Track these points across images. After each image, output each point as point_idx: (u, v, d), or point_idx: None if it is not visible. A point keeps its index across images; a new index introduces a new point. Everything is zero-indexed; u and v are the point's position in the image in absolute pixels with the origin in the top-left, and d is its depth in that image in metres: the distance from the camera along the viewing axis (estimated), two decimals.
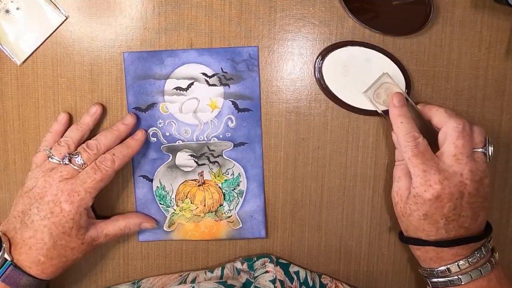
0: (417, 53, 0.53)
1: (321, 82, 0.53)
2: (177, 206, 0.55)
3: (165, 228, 0.55)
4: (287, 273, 0.53)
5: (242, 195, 0.55)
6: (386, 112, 0.51)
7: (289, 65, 0.54)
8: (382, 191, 0.56)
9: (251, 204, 0.55)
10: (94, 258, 0.56)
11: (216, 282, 0.50)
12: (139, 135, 0.52)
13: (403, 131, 0.48)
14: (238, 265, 0.54)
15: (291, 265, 0.55)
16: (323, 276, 0.55)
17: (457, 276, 0.47)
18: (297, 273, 0.54)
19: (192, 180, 0.55)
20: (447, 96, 0.54)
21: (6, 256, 0.47)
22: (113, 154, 0.49)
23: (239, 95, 0.53)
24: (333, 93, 0.53)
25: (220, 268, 0.54)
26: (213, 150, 0.54)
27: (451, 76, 0.54)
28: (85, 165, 0.49)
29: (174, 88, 0.53)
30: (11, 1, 0.52)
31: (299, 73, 0.54)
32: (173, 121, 0.54)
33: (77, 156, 0.49)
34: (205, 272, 0.54)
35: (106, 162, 0.49)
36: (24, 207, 0.49)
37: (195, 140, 0.54)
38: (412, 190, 0.47)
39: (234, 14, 0.53)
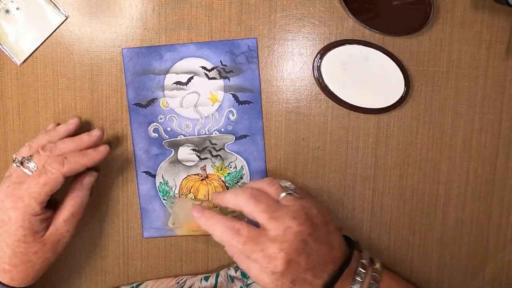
0: (417, 53, 0.53)
1: (320, 81, 0.53)
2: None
3: (169, 225, 0.55)
4: None
5: None
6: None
7: (289, 65, 0.54)
8: (382, 191, 0.56)
9: None
10: (94, 258, 0.56)
11: None
12: (102, 148, 0.48)
13: (218, 231, 0.45)
14: (231, 272, 0.54)
15: None
16: None
17: None
18: None
19: (194, 174, 0.55)
20: (447, 96, 0.54)
21: None
22: (65, 158, 0.46)
23: (239, 87, 0.54)
24: (332, 92, 0.53)
25: (215, 275, 0.54)
26: (215, 144, 0.54)
27: (451, 76, 0.54)
28: (36, 169, 0.46)
29: (174, 83, 0.53)
30: (11, 1, 0.52)
31: (299, 73, 0.54)
32: (174, 116, 0.54)
33: (29, 159, 0.46)
34: (201, 280, 0.54)
35: (54, 164, 0.45)
36: None
37: (196, 134, 0.54)
38: (266, 271, 0.44)
39: (234, 14, 0.53)
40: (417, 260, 0.57)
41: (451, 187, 0.56)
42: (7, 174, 0.48)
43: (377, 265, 0.48)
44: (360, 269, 0.46)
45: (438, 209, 0.56)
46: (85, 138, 0.49)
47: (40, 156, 0.46)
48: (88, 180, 0.50)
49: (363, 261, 0.47)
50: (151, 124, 0.54)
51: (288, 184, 0.48)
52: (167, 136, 0.54)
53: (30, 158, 0.46)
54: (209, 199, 0.52)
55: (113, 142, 0.54)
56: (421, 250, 0.57)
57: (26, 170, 0.46)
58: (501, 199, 0.56)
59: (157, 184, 0.55)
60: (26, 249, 0.45)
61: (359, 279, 0.46)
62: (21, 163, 0.46)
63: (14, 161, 0.47)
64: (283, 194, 0.46)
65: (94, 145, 0.49)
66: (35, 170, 0.46)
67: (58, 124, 0.52)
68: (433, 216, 0.56)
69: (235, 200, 0.46)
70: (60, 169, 0.45)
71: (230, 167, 0.55)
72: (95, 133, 0.49)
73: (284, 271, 0.43)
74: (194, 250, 0.56)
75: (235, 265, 0.54)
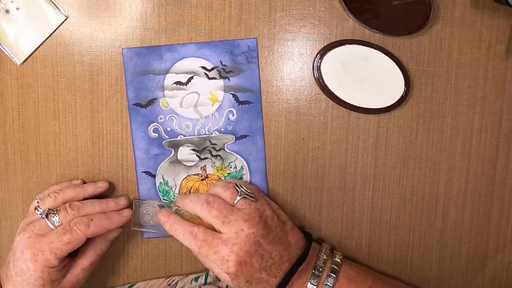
0: (417, 53, 0.53)
1: (320, 81, 0.53)
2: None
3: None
4: None
5: None
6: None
7: (289, 65, 0.54)
8: (382, 191, 0.56)
9: None
10: None
11: None
12: (126, 213, 0.51)
13: (180, 236, 0.48)
14: None
15: None
16: None
17: None
18: None
19: (194, 174, 0.55)
20: (447, 96, 0.54)
21: None
22: (91, 220, 0.47)
23: (239, 87, 0.54)
24: (332, 92, 0.53)
25: (204, 275, 0.54)
26: (215, 144, 0.54)
27: (451, 76, 0.54)
28: (60, 224, 0.47)
29: (174, 83, 0.53)
30: (11, 1, 0.52)
31: (299, 73, 0.54)
32: (174, 116, 0.54)
33: (54, 213, 0.47)
34: (191, 281, 0.54)
35: (80, 225, 0.47)
36: (9, 259, 0.47)
37: (196, 134, 0.54)
38: (222, 272, 0.46)
39: (234, 14, 0.53)
40: (417, 260, 0.57)
41: (451, 187, 0.56)
42: (28, 220, 0.48)
43: (337, 257, 0.49)
44: (318, 263, 0.48)
45: (438, 209, 0.56)
46: (111, 204, 0.51)
47: (67, 214, 0.47)
48: (113, 234, 0.52)
49: (321, 255, 0.49)
50: (151, 124, 0.54)
51: (244, 188, 0.49)
52: (167, 136, 0.54)
53: (56, 212, 0.47)
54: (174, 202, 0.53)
55: (113, 142, 0.54)
56: (421, 250, 0.57)
57: (49, 223, 0.47)
58: (501, 199, 0.56)
59: (157, 184, 0.55)
60: None
61: (316, 273, 0.47)
62: (47, 215, 0.47)
63: (36, 208, 0.48)
64: (238, 198, 0.48)
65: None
66: (58, 225, 0.47)
67: (84, 182, 0.54)
68: (433, 216, 0.56)
69: (191, 206, 0.49)
70: (85, 231, 0.47)
71: (230, 167, 0.55)
72: (121, 202, 0.52)
73: (236, 272, 0.46)
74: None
75: None
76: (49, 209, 0.48)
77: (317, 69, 0.53)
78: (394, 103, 0.53)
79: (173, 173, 0.55)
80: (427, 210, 0.56)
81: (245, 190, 0.49)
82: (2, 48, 0.53)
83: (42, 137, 0.54)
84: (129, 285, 0.56)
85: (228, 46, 0.53)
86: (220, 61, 0.53)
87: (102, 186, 0.52)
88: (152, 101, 0.54)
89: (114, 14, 0.53)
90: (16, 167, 0.55)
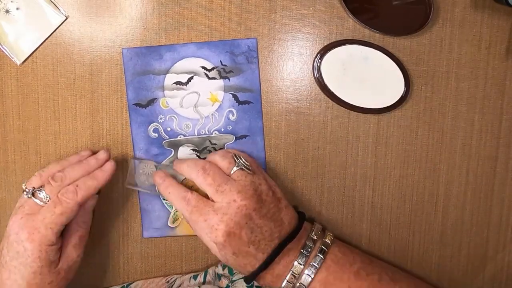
0: (417, 53, 0.53)
1: (320, 81, 0.53)
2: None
3: (169, 224, 0.55)
4: None
5: None
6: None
7: (289, 65, 0.54)
8: (382, 191, 0.56)
9: None
10: (94, 258, 0.56)
11: None
12: (108, 166, 0.49)
13: (173, 199, 0.48)
14: (219, 270, 0.54)
15: None
16: None
17: (299, 283, 0.46)
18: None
19: None
20: (447, 96, 0.54)
21: None
22: (76, 186, 0.46)
23: (239, 87, 0.54)
24: (332, 92, 0.53)
25: (203, 274, 0.54)
26: (215, 144, 0.54)
27: (451, 76, 0.54)
28: (48, 199, 0.46)
29: (174, 83, 0.53)
30: (11, 1, 0.52)
31: (299, 73, 0.54)
32: (174, 116, 0.54)
33: (41, 189, 0.46)
34: (190, 279, 0.54)
35: (68, 194, 0.46)
36: (2, 245, 0.47)
37: (196, 134, 0.54)
38: (210, 240, 0.46)
39: (234, 14, 0.53)
40: (417, 260, 0.57)
41: (451, 187, 0.56)
42: (18, 204, 0.48)
43: (327, 238, 0.49)
44: (308, 242, 0.48)
45: (438, 209, 0.56)
46: (92, 162, 0.49)
47: (52, 186, 0.47)
48: (90, 203, 0.50)
49: (312, 235, 0.48)
50: (151, 124, 0.54)
51: (242, 159, 0.49)
52: (167, 136, 0.54)
53: (41, 188, 0.47)
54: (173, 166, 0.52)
55: (113, 142, 0.54)
56: (421, 250, 0.57)
57: (37, 201, 0.46)
58: (501, 199, 0.56)
59: None
60: (42, 280, 0.46)
61: (305, 253, 0.47)
62: (33, 194, 0.47)
63: (24, 191, 0.47)
64: (234, 169, 0.48)
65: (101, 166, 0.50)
66: (47, 200, 0.46)
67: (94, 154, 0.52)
68: (433, 216, 0.56)
69: (187, 171, 0.49)
70: (74, 198, 0.46)
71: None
72: (101, 156, 0.50)
73: (224, 242, 0.45)
74: (194, 250, 0.56)
75: (222, 263, 0.55)
76: (33, 188, 0.47)
77: (317, 69, 0.53)
78: (394, 103, 0.53)
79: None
80: (427, 210, 0.56)
81: (243, 162, 0.48)
82: (2, 48, 0.53)
83: (42, 137, 0.54)
84: (127, 283, 0.56)
85: (228, 46, 0.53)
86: (220, 61, 0.53)
87: (85, 155, 0.51)
88: (152, 101, 0.54)
89: (114, 14, 0.53)
90: (16, 167, 0.55)
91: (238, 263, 0.47)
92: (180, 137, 0.54)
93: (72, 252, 0.48)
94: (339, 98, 0.53)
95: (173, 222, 0.55)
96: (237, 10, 0.53)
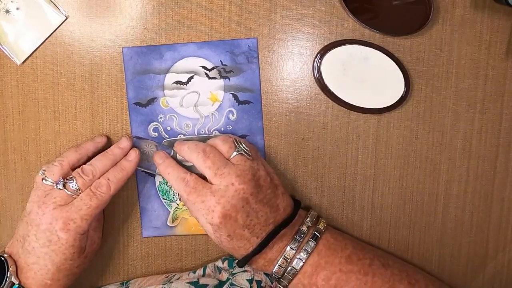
0: (417, 53, 0.53)
1: (320, 81, 0.53)
2: (180, 200, 0.55)
3: (168, 223, 0.55)
4: (266, 273, 0.53)
5: None
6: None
7: (289, 65, 0.54)
8: (382, 191, 0.56)
9: None
10: (94, 258, 0.56)
11: (188, 283, 0.50)
12: (133, 155, 0.51)
13: (172, 180, 0.49)
14: (219, 263, 0.54)
15: None
16: None
17: (290, 266, 0.48)
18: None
19: None
20: (447, 96, 0.54)
21: (13, 279, 0.47)
22: (108, 179, 0.48)
23: (240, 87, 0.54)
24: (332, 92, 0.53)
25: (202, 268, 0.54)
26: None
27: (451, 76, 0.54)
28: (80, 191, 0.48)
29: (174, 82, 0.53)
30: (11, 1, 0.52)
31: (299, 73, 0.54)
32: (174, 116, 0.54)
33: (71, 181, 0.48)
34: (188, 273, 0.54)
35: (102, 188, 0.48)
36: (24, 232, 0.48)
37: (196, 134, 0.54)
38: (206, 221, 0.47)
39: (234, 14, 0.53)
40: (417, 260, 0.57)
41: (451, 187, 0.56)
42: (41, 193, 0.48)
43: (321, 225, 0.50)
44: (301, 228, 0.49)
45: (438, 209, 0.56)
46: (117, 152, 0.51)
47: (84, 180, 0.48)
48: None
49: (306, 221, 0.50)
50: (151, 124, 0.54)
51: (242, 145, 0.49)
52: (167, 136, 0.54)
53: (72, 180, 0.48)
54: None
55: (113, 139, 0.54)
56: (421, 250, 0.57)
57: (69, 193, 0.47)
58: (501, 199, 0.56)
59: (157, 183, 0.55)
60: (71, 265, 0.48)
61: (297, 238, 0.48)
62: (64, 185, 0.48)
63: (44, 179, 0.48)
64: (234, 153, 0.48)
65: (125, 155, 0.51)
66: (77, 191, 0.48)
67: (108, 138, 0.54)
68: (433, 216, 0.56)
69: (187, 153, 0.49)
70: (108, 192, 0.48)
71: None
72: (124, 144, 0.51)
73: (219, 224, 0.46)
74: (194, 250, 0.56)
75: (223, 257, 0.55)
76: (64, 178, 0.48)
77: (317, 69, 0.53)
78: (394, 103, 0.53)
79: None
80: (427, 210, 0.56)
81: (244, 147, 0.49)
82: (2, 48, 0.53)
83: (42, 137, 0.54)
84: (126, 280, 0.56)
85: (229, 46, 0.53)
86: (221, 60, 0.53)
87: (101, 141, 0.52)
88: (152, 100, 0.54)
89: (114, 14, 0.53)
90: (16, 167, 0.55)
91: (232, 245, 0.48)
92: (180, 137, 0.54)
93: (93, 235, 0.51)
94: (339, 98, 0.53)
95: (173, 222, 0.55)
96: (237, 10, 0.53)
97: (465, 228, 0.57)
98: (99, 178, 0.49)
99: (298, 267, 0.48)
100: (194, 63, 0.53)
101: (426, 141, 0.55)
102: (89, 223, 0.47)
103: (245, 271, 0.52)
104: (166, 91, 0.53)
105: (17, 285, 0.47)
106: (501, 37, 0.54)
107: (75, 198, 0.47)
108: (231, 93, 0.54)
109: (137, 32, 0.53)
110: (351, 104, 0.53)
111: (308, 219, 0.50)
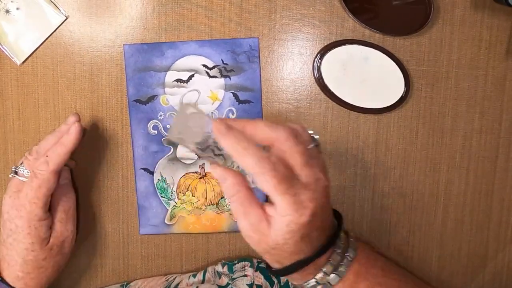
0: (417, 53, 0.53)
1: (320, 81, 0.53)
2: (178, 199, 0.55)
3: (166, 221, 0.55)
4: (267, 277, 0.52)
5: None
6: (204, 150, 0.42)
7: (289, 65, 0.54)
8: (382, 191, 0.56)
9: None
10: (94, 258, 0.56)
11: None
12: (72, 129, 0.47)
13: (253, 157, 0.37)
14: (219, 268, 0.54)
15: None
16: None
17: (334, 273, 0.40)
18: (277, 276, 0.53)
19: (193, 172, 0.55)
20: (447, 96, 0.54)
21: None
22: (46, 156, 0.46)
23: (240, 86, 0.54)
24: (332, 92, 0.53)
25: (202, 272, 0.54)
26: (217, 142, 0.54)
27: (451, 76, 0.54)
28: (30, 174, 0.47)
29: (175, 80, 0.53)
30: (11, 1, 0.52)
31: (299, 73, 0.54)
32: (174, 114, 0.54)
33: (21, 166, 0.47)
34: (189, 277, 0.54)
35: (41, 166, 0.46)
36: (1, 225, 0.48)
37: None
38: (280, 218, 0.38)
39: (234, 14, 0.53)
40: (417, 260, 0.57)
41: (451, 187, 0.56)
42: (8, 185, 0.48)
43: (351, 238, 0.43)
44: (339, 243, 0.42)
45: (438, 209, 0.56)
46: (63, 128, 0.49)
47: (29, 161, 0.47)
48: (64, 175, 0.51)
49: (340, 233, 0.42)
50: (151, 121, 0.54)
51: (317, 136, 0.42)
52: (166, 134, 0.54)
53: (21, 165, 0.48)
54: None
55: (113, 142, 0.54)
56: (421, 250, 0.57)
57: (22, 178, 0.47)
58: (501, 199, 0.56)
59: (155, 181, 0.55)
60: (35, 256, 0.47)
61: (340, 244, 0.41)
62: (15, 172, 0.48)
63: (12, 171, 0.48)
64: (312, 145, 0.40)
65: None
66: (28, 176, 0.47)
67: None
68: (433, 216, 0.56)
69: (269, 132, 0.38)
70: (47, 169, 0.46)
71: (232, 167, 0.54)
72: (71, 120, 0.49)
73: (306, 224, 0.37)
74: (194, 249, 0.56)
75: (222, 261, 0.55)
76: (16, 166, 0.48)
77: (317, 69, 0.53)
78: (394, 103, 0.53)
79: (172, 171, 0.55)
80: (427, 210, 0.56)
81: (318, 139, 0.42)
82: (2, 48, 0.53)
83: (42, 137, 0.54)
84: (126, 282, 0.56)
85: (230, 45, 0.53)
86: (222, 59, 0.53)
87: (70, 123, 0.48)
88: (152, 98, 0.54)
89: (114, 14, 0.53)
90: None
91: (294, 249, 0.39)
92: None
93: (60, 227, 0.49)
94: (339, 98, 0.53)
95: (170, 220, 0.55)
96: (237, 10, 0.53)
97: (465, 228, 0.57)
98: None
99: (333, 283, 0.41)
100: (195, 61, 0.53)
101: (426, 141, 0.55)
102: (41, 207, 0.46)
103: (245, 275, 0.52)
104: (166, 89, 0.53)
105: None
106: (501, 37, 0.54)
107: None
108: (232, 92, 0.54)
109: (137, 32, 0.53)
110: (351, 104, 0.53)
111: (341, 232, 0.43)
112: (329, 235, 0.41)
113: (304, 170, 0.38)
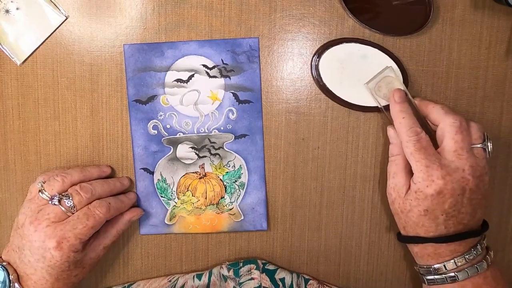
0: (417, 53, 0.53)
1: (318, 80, 0.53)
2: (178, 199, 0.55)
3: (166, 221, 0.55)
4: (272, 279, 0.53)
5: (244, 188, 0.55)
6: (386, 108, 0.52)
7: (289, 65, 0.54)
8: (382, 191, 0.56)
9: (253, 196, 0.55)
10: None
11: None
12: (132, 195, 0.53)
13: (405, 126, 0.47)
14: (224, 271, 0.54)
15: (277, 271, 0.54)
16: (310, 282, 0.55)
17: (454, 272, 0.47)
18: (282, 280, 0.53)
19: (193, 172, 0.55)
20: (447, 96, 0.54)
21: (17, 286, 0.47)
22: (109, 203, 0.49)
23: (240, 86, 0.54)
24: (330, 91, 0.53)
25: (208, 273, 0.54)
26: (214, 142, 0.54)
27: (451, 76, 0.54)
28: (74, 209, 0.47)
29: (175, 80, 0.53)
30: (11, 1, 0.52)
31: (299, 73, 0.54)
32: (173, 114, 0.54)
33: (67, 198, 0.47)
34: (193, 278, 0.54)
35: (101, 209, 0.47)
36: (19, 244, 0.48)
37: (196, 132, 0.54)
38: (412, 185, 0.47)
39: (234, 14, 0.53)
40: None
41: None
42: (35, 207, 0.47)
43: (491, 255, 0.49)
44: (478, 247, 0.48)
45: None
46: (118, 185, 0.52)
47: (81, 197, 0.47)
48: (136, 217, 0.53)
49: (483, 241, 0.48)
50: (151, 121, 0.54)
51: (490, 143, 0.48)
52: (166, 134, 0.54)
53: (68, 197, 0.47)
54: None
55: (113, 142, 0.54)
56: None
57: (64, 209, 0.47)
58: (501, 199, 0.56)
59: (155, 181, 0.55)
60: (69, 275, 0.48)
61: (474, 253, 0.47)
62: (59, 201, 0.47)
63: (41, 191, 0.47)
64: (479, 145, 0.47)
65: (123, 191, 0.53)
66: (71, 209, 0.47)
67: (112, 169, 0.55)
68: None
69: (441, 114, 0.48)
70: (106, 214, 0.48)
71: (229, 166, 0.55)
72: (125, 182, 0.53)
73: (429, 196, 0.45)
74: (194, 249, 0.56)
75: (227, 263, 0.55)
76: (60, 194, 0.47)
77: (315, 68, 0.53)
78: None
79: (172, 171, 0.55)
80: None
81: (490, 146, 0.48)
82: (2, 48, 0.53)
83: (42, 137, 0.54)
84: (128, 283, 0.56)
85: (230, 45, 0.53)
86: (222, 59, 0.53)
87: (106, 171, 0.53)
88: (152, 97, 0.54)
89: (114, 14, 0.53)
90: (16, 167, 0.55)
91: (418, 220, 0.47)
92: (179, 135, 0.54)
93: (101, 251, 0.51)
94: (338, 96, 0.53)
95: (170, 220, 0.55)
96: (237, 10, 0.53)
97: None
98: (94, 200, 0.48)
99: (460, 278, 0.47)
100: (195, 61, 0.53)
101: None
102: (83, 243, 0.47)
103: (252, 278, 0.52)
104: (166, 89, 0.53)
105: None
106: (501, 37, 0.54)
107: (68, 216, 0.47)
108: (232, 92, 0.54)
109: (137, 32, 0.53)
110: (350, 103, 0.53)
111: (484, 241, 0.49)
112: (462, 232, 0.47)
113: (450, 155, 0.46)
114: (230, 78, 0.53)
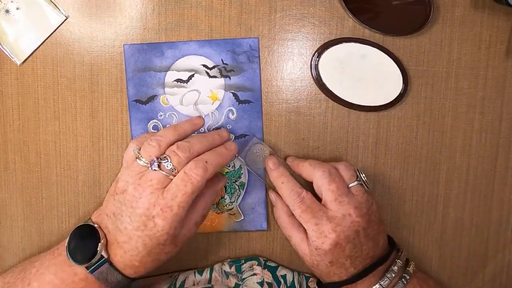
0: (417, 53, 0.53)
1: (318, 79, 0.53)
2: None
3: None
4: (274, 276, 0.53)
5: (244, 187, 0.55)
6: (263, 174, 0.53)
7: (289, 65, 0.54)
8: (382, 191, 0.56)
9: (253, 196, 0.55)
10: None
11: None
12: (233, 146, 0.48)
13: (286, 190, 0.48)
14: (226, 268, 0.54)
15: (279, 268, 0.54)
16: (310, 279, 0.55)
17: None
18: (284, 276, 0.54)
19: None
20: (447, 96, 0.54)
21: (103, 253, 0.45)
22: (206, 162, 0.44)
23: (240, 86, 0.54)
24: (330, 91, 0.53)
25: (209, 270, 0.54)
26: None
27: (451, 76, 0.54)
28: (175, 171, 0.44)
29: (175, 80, 0.53)
30: (11, 1, 0.52)
31: (299, 73, 0.54)
32: (174, 114, 0.54)
33: (166, 160, 0.44)
34: (194, 274, 0.54)
35: (198, 170, 0.44)
36: (116, 210, 0.45)
37: (195, 132, 0.54)
38: (310, 244, 0.47)
39: (234, 14, 0.53)
40: (417, 260, 0.57)
41: (451, 187, 0.56)
42: (135, 172, 0.45)
43: (410, 268, 0.49)
44: (393, 267, 0.48)
45: (438, 209, 0.56)
46: (216, 138, 0.48)
47: (180, 157, 0.44)
48: (222, 185, 0.51)
49: (398, 261, 0.49)
50: (151, 121, 0.54)
51: (363, 175, 0.49)
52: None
53: (167, 159, 0.44)
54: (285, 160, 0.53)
55: (113, 142, 0.54)
56: (421, 250, 0.57)
57: (165, 173, 0.44)
58: (501, 199, 0.56)
59: None
60: (162, 250, 0.45)
61: (388, 276, 0.48)
62: (159, 166, 0.44)
63: (138, 158, 0.45)
64: (355, 183, 0.48)
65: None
66: (172, 172, 0.44)
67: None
68: (433, 216, 0.56)
69: (310, 170, 0.49)
70: (204, 175, 0.44)
71: (229, 166, 0.55)
72: (225, 134, 0.49)
73: (328, 251, 0.46)
74: (194, 249, 0.56)
75: (229, 260, 0.55)
76: (158, 158, 0.44)
77: (315, 68, 0.53)
78: (393, 101, 0.53)
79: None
80: (427, 210, 0.56)
81: (364, 178, 0.49)
82: (2, 48, 0.53)
83: (42, 137, 0.54)
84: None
85: (230, 45, 0.53)
86: (222, 59, 0.53)
87: (198, 123, 0.49)
88: (152, 97, 0.54)
89: (114, 14, 0.53)
90: (16, 167, 0.55)
91: (328, 271, 0.48)
92: None
93: (193, 227, 0.47)
94: (337, 96, 0.53)
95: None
96: (237, 10, 0.53)
97: (465, 228, 0.57)
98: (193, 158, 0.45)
99: None
100: (195, 61, 0.53)
101: (426, 141, 0.55)
102: (186, 210, 0.44)
103: (254, 274, 0.52)
104: (166, 89, 0.53)
105: (105, 259, 0.45)
106: (501, 37, 0.54)
107: (171, 179, 0.44)
108: (232, 92, 0.54)
109: (137, 32, 0.53)
110: (350, 102, 0.53)
111: (399, 259, 0.49)
112: (368, 266, 0.48)
113: (332, 205, 0.47)
114: (230, 78, 0.53)
